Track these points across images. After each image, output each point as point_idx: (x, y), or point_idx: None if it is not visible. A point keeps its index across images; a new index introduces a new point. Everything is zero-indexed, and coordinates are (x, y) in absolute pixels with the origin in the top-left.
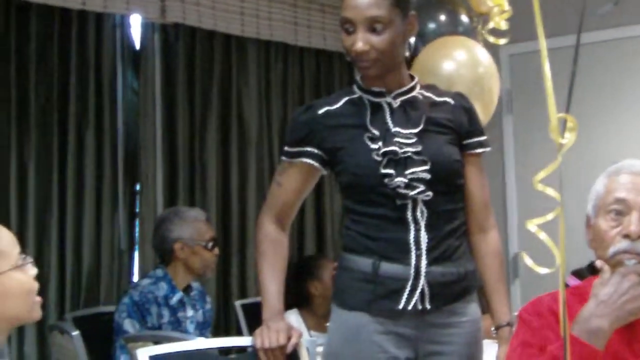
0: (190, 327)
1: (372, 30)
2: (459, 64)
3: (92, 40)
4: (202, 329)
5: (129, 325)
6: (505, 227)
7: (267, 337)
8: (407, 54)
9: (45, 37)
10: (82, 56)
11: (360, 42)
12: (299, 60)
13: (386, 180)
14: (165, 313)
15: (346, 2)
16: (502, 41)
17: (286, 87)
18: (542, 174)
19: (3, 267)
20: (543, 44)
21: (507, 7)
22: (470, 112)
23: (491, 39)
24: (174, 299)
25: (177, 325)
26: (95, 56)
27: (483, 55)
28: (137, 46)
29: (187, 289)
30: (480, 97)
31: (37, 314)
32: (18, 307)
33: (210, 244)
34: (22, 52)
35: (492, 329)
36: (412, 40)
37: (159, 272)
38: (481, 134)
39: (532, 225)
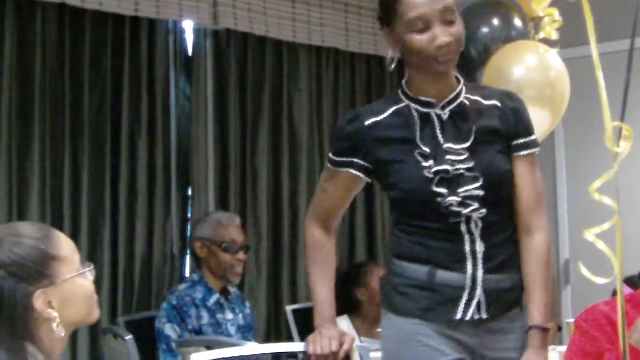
0: (232, 330)
1: (447, 22)
2: (530, 68)
3: (145, 46)
4: (245, 333)
5: (171, 330)
6: (557, 234)
7: (320, 343)
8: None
9: (99, 43)
10: (135, 62)
11: (445, 35)
12: (350, 65)
13: (439, 199)
14: (205, 315)
15: (411, 1)
16: (554, 51)
17: (337, 92)
18: (597, 183)
19: (66, 274)
20: (596, 54)
21: (557, 17)
22: (517, 112)
23: (542, 49)
24: (211, 301)
25: (218, 327)
26: (148, 62)
27: (555, 60)
28: (190, 52)
29: (225, 293)
30: (552, 101)
31: (97, 314)
32: (80, 312)
33: (227, 246)
34: (76, 58)
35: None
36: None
37: (195, 276)
38: (528, 134)
39: (590, 235)
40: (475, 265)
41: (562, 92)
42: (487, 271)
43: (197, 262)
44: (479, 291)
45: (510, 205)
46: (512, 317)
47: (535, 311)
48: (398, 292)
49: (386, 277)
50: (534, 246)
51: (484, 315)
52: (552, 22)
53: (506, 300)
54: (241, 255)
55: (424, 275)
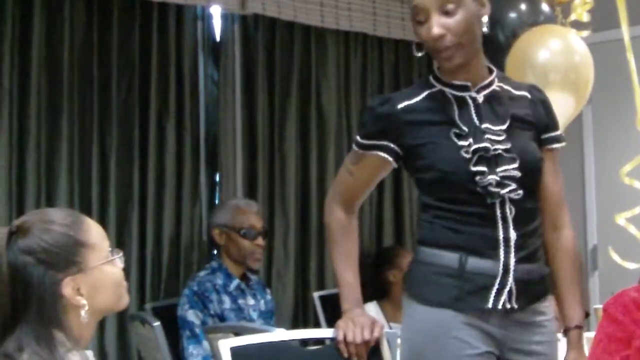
0: (254, 315)
1: (445, 13)
2: (554, 52)
3: (173, 32)
4: (266, 318)
5: (193, 316)
6: (585, 219)
7: (352, 331)
8: (485, 30)
9: (127, 28)
10: (163, 47)
11: (436, 26)
12: (378, 50)
13: (477, 178)
14: (226, 299)
15: None
16: (585, 33)
17: (365, 77)
18: (628, 167)
19: (95, 261)
20: (627, 37)
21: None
22: (546, 104)
23: (573, 31)
24: (232, 286)
25: (240, 312)
26: (176, 47)
27: (579, 44)
28: (217, 37)
29: (245, 279)
30: (576, 85)
31: (125, 301)
32: (109, 299)
33: (245, 232)
34: (104, 44)
35: (561, 331)
36: (485, 20)
37: (214, 263)
38: (557, 128)
39: (621, 219)
40: (507, 252)
41: (587, 76)
42: (519, 260)
43: (216, 249)
44: (510, 279)
45: (538, 196)
46: (538, 311)
47: (573, 311)
48: (426, 281)
49: (411, 265)
50: (563, 242)
51: (514, 305)
52: (583, 4)
53: (534, 292)
54: (260, 241)
55: (455, 263)
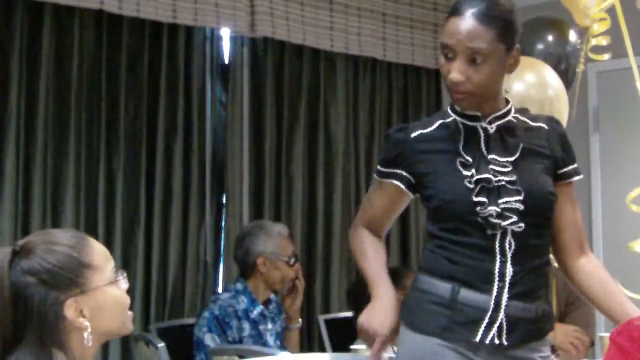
0: (271, 340)
1: (472, 61)
2: (529, 85)
3: (182, 53)
4: (281, 340)
5: (210, 340)
6: (591, 248)
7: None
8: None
9: (136, 49)
10: (172, 69)
11: (457, 72)
12: (386, 75)
13: (478, 208)
14: (246, 326)
15: (447, 27)
16: (606, 56)
17: (374, 102)
18: (633, 193)
19: (98, 282)
20: (635, 65)
21: (608, 20)
22: (564, 138)
23: (593, 57)
24: (255, 312)
25: (259, 338)
26: (185, 69)
27: (552, 77)
28: (226, 59)
29: (267, 302)
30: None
31: (129, 327)
32: (112, 322)
33: (292, 260)
34: (113, 65)
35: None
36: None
37: (239, 285)
38: (574, 161)
39: (638, 247)
40: (501, 287)
41: (560, 110)
42: (512, 296)
43: (243, 272)
44: (501, 315)
45: (548, 233)
46: (535, 349)
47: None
48: (419, 308)
49: (408, 292)
50: (594, 262)
51: (504, 342)
52: (601, 25)
53: (528, 331)
54: (297, 266)
55: (447, 292)
